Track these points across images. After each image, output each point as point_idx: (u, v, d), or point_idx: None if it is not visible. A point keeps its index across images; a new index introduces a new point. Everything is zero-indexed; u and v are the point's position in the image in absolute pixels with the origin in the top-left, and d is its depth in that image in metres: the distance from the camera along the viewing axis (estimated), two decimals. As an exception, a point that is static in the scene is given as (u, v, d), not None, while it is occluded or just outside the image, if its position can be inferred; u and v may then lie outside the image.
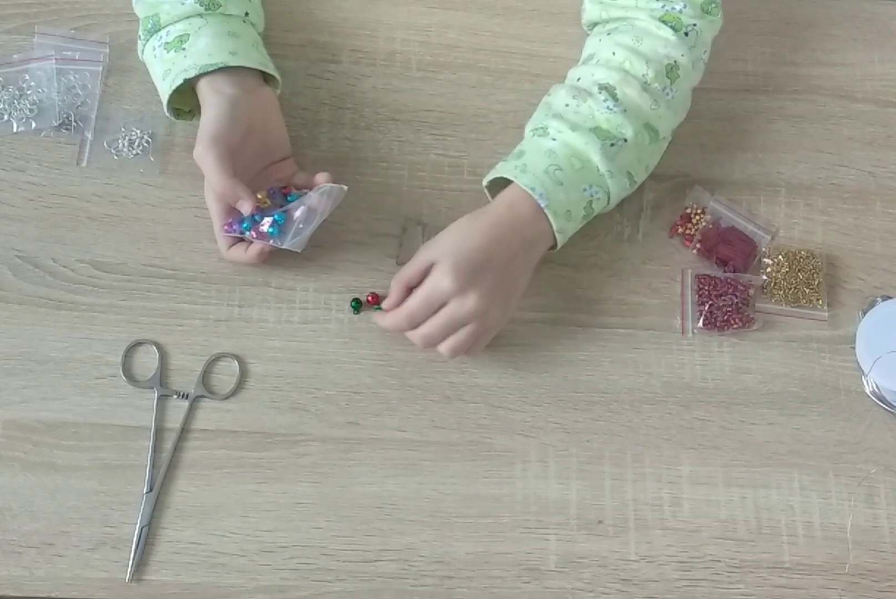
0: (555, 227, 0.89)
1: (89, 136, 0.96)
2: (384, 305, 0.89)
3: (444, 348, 0.88)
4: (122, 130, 0.97)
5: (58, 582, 0.84)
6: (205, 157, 0.86)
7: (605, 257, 0.98)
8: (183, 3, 0.90)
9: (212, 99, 0.88)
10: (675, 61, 0.93)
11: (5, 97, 0.96)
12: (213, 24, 0.90)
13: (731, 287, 0.97)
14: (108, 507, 0.86)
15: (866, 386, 0.96)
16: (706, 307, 0.96)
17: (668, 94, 0.93)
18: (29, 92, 0.97)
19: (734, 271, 0.98)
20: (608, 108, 0.90)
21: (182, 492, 0.87)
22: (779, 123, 1.06)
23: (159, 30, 0.91)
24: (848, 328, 0.98)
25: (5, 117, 0.96)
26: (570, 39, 1.05)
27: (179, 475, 0.87)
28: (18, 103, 0.96)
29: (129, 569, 0.84)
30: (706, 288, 0.97)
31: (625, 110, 0.91)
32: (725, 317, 0.96)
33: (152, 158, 0.96)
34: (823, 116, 1.06)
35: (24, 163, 0.95)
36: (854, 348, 0.97)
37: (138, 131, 0.97)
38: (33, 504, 0.85)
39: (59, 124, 0.96)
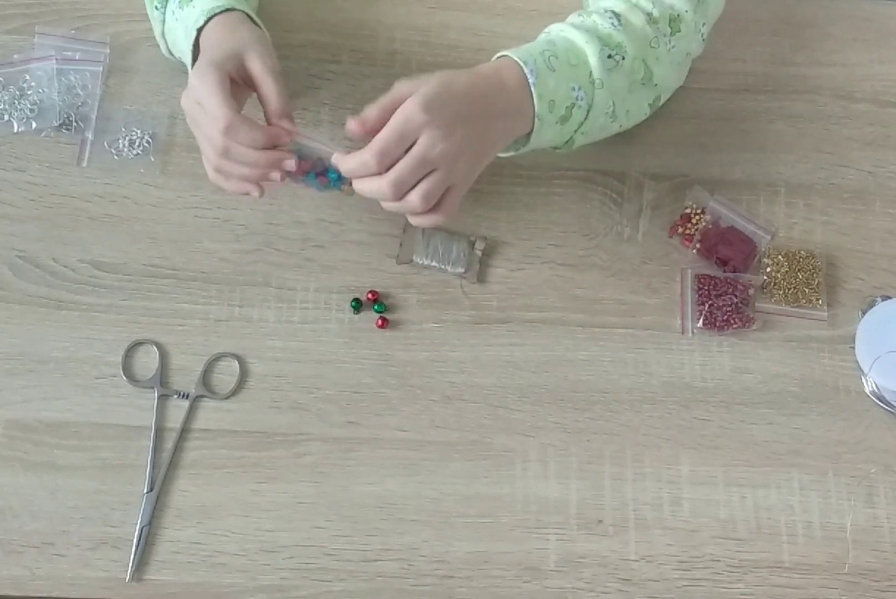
0: (536, 109, 0.85)
1: (90, 136, 0.96)
2: (351, 123, 0.81)
3: (416, 194, 0.80)
4: (123, 130, 0.97)
5: (58, 582, 0.84)
6: (211, 76, 0.80)
7: (604, 257, 0.98)
8: None
9: (222, 32, 0.85)
10: (679, 15, 0.91)
11: (6, 97, 0.96)
12: None
13: (731, 287, 0.97)
14: (108, 507, 0.86)
15: (866, 386, 0.96)
16: (706, 307, 0.96)
17: (668, 44, 0.91)
18: (29, 92, 0.97)
19: (734, 271, 0.98)
20: (612, 24, 0.88)
21: (182, 492, 0.87)
22: (779, 123, 1.06)
23: None
24: (848, 328, 0.98)
25: (6, 117, 0.96)
26: (570, 39, 1.04)
27: (180, 475, 0.87)
28: (19, 103, 0.96)
29: (129, 569, 0.84)
30: (706, 288, 0.97)
31: (627, 33, 0.89)
32: (725, 317, 0.96)
33: (152, 158, 0.96)
34: (823, 116, 1.06)
35: (25, 163, 0.95)
36: (854, 347, 0.97)
37: (138, 131, 0.97)
38: (34, 504, 0.85)
39: (60, 124, 0.96)
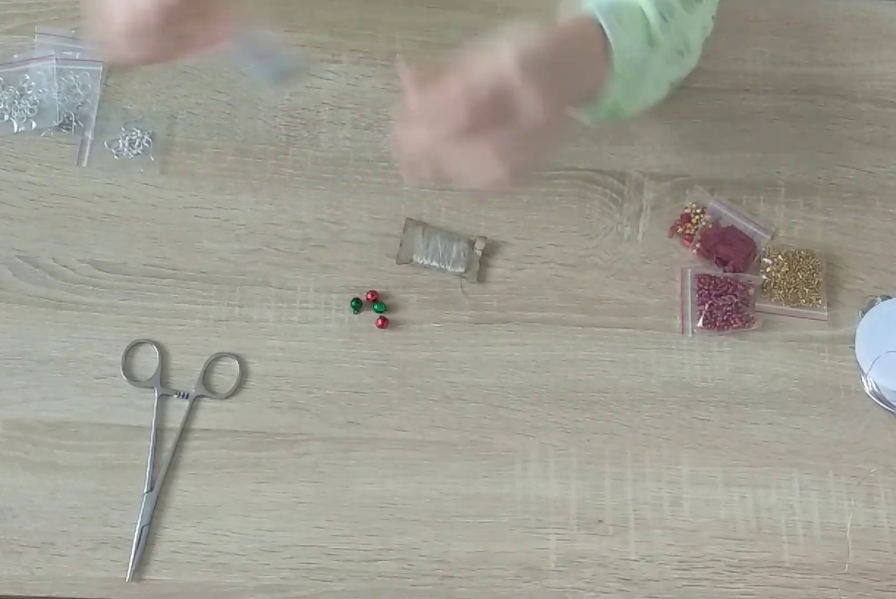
0: (617, 67, 0.78)
1: (89, 136, 0.96)
2: (409, 102, 0.70)
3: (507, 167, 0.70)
4: (123, 130, 0.97)
5: (58, 582, 0.84)
6: None
7: (604, 257, 0.98)
8: None
9: None
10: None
11: (6, 97, 0.96)
12: None
13: (731, 287, 0.97)
14: (108, 507, 0.86)
15: (866, 386, 0.96)
16: (706, 307, 0.96)
17: (696, 8, 0.87)
18: (29, 92, 0.97)
19: (734, 271, 0.98)
20: None
21: (182, 492, 0.87)
22: (779, 123, 1.06)
23: None
24: (848, 328, 0.98)
25: (6, 117, 0.96)
26: (570, 39, 1.04)
27: (180, 475, 0.87)
28: (19, 103, 0.96)
29: (129, 569, 0.84)
30: (706, 288, 0.97)
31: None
32: (725, 317, 0.96)
33: (152, 158, 0.96)
34: (823, 116, 1.06)
35: (25, 163, 0.95)
36: (854, 347, 0.97)
37: (138, 131, 0.97)
38: (34, 504, 0.85)
39: (60, 124, 0.96)
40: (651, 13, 0.83)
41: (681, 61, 0.89)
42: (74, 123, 0.96)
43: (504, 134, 0.70)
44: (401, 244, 0.96)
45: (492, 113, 0.69)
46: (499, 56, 0.70)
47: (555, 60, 0.73)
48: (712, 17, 0.94)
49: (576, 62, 0.76)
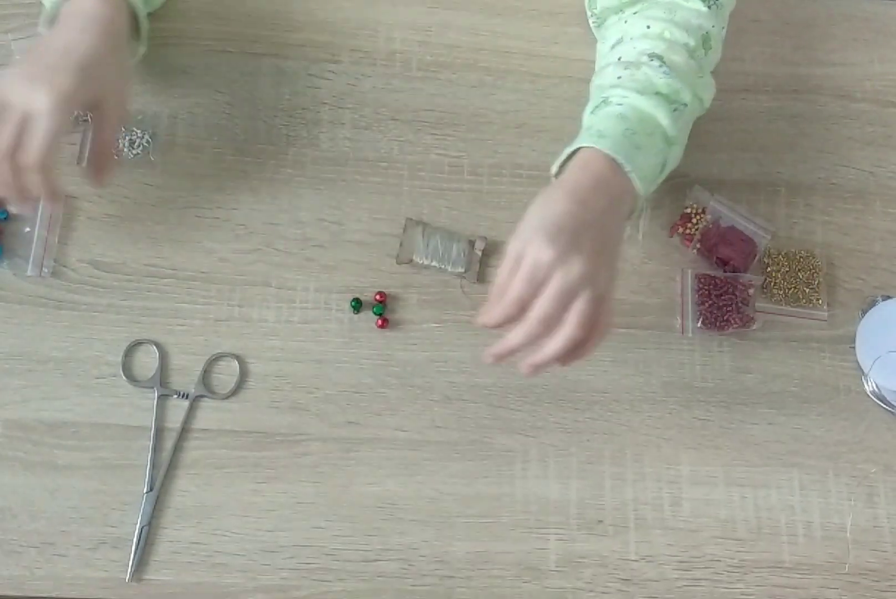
0: (639, 189, 0.84)
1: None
2: (482, 318, 0.80)
3: (570, 326, 0.77)
4: (122, 130, 0.97)
5: (58, 582, 0.84)
6: (62, 85, 0.80)
7: (605, 257, 0.98)
8: None
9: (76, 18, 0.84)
10: (708, 32, 0.91)
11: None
12: None
13: (731, 287, 0.97)
14: (108, 507, 0.86)
15: (866, 386, 0.96)
16: (706, 307, 0.96)
17: (706, 64, 0.92)
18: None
19: (734, 271, 0.98)
20: (665, 73, 0.88)
21: (182, 492, 0.87)
22: (779, 123, 1.06)
23: None
24: (848, 328, 0.98)
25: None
26: (570, 39, 1.05)
27: (179, 475, 0.87)
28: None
29: (129, 569, 0.84)
30: (706, 288, 0.97)
31: (679, 76, 0.88)
32: (725, 317, 0.96)
33: (152, 158, 0.96)
34: (823, 116, 1.06)
35: (25, 163, 0.95)
36: (854, 347, 0.97)
37: (138, 131, 0.97)
38: (33, 504, 0.85)
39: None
40: (665, 119, 0.87)
41: (696, 117, 0.93)
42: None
43: (579, 308, 0.77)
44: (401, 244, 0.96)
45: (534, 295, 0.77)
46: (532, 252, 0.77)
47: (581, 223, 0.79)
48: (723, 39, 0.95)
49: (594, 206, 0.80)
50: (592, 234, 0.79)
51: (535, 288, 0.77)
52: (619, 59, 0.91)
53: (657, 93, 0.87)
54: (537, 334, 0.78)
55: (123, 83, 0.89)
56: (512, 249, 0.79)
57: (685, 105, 0.89)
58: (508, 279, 0.78)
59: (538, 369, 0.80)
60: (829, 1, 1.12)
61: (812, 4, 1.11)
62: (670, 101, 0.88)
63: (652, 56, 0.89)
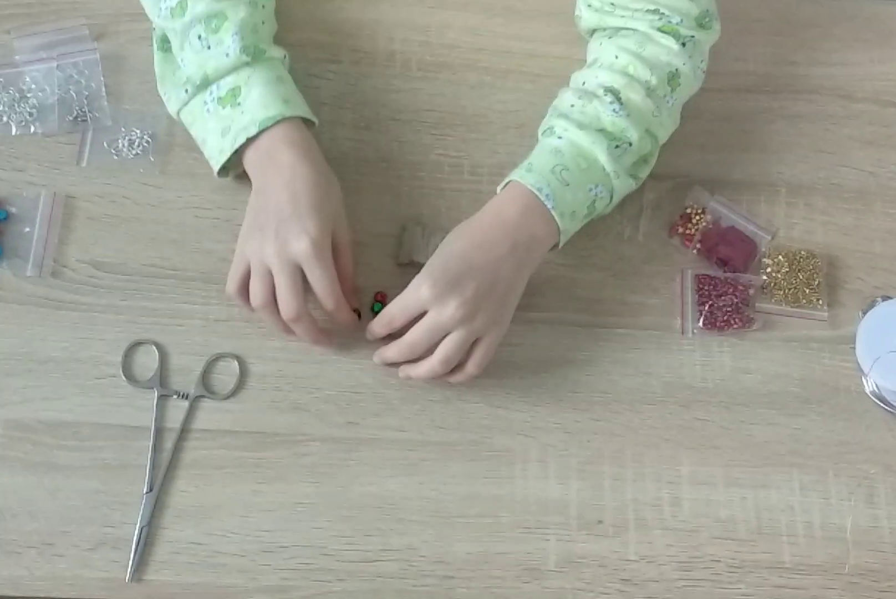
0: (560, 227, 0.88)
1: (89, 136, 0.96)
2: (372, 325, 0.88)
3: (436, 359, 0.85)
4: (122, 130, 0.97)
5: (58, 582, 0.84)
6: (321, 244, 0.84)
7: (605, 257, 0.98)
8: (228, 56, 0.88)
9: (293, 160, 0.87)
10: (677, 69, 0.93)
11: (5, 99, 0.96)
12: (259, 71, 0.89)
13: (731, 287, 0.97)
14: (108, 507, 0.86)
15: (866, 386, 0.96)
16: (706, 307, 0.96)
17: (668, 102, 0.93)
18: (29, 95, 0.96)
19: (734, 271, 0.98)
20: (614, 110, 0.90)
21: (182, 492, 0.87)
22: (779, 123, 1.06)
23: (209, 85, 0.89)
24: (848, 328, 0.98)
25: (4, 119, 0.96)
26: (570, 39, 1.05)
27: (179, 475, 0.87)
28: (18, 106, 0.96)
29: (129, 569, 0.84)
30: (706, 288, 0.97)
31: (629, 115, 0.90)
32: (725, 317, 0.96)
33: (152, 158, 0.96)
34: (823, 116, 1.06)
35: (24, 163, 0.95)
36: (854, 348, 0.97)
37: (138, 131, 0.97)
38: (33, 504, 0.85)
39: (60, 125, 0.96)
40: (603, 155, 0.90)
41: (656, 151, 0.95)
42: (74, 124, 0.96)
43: (444, 345, 0.85)
44: (401, 244, 0.96)
45: (429, 337, 0.85)
46: (413, 284, 0.85)
47: (463, 261, 0.85)
48: (703, 71, 0.97)
49: (496, 247, 0.86)
50: (480, 278, 0.85)
51: (405, 315, 0.85)
52: (583, 83, 0.94)
53: (601, 129, 0.90)
54: (405, 355, 0.86)
55: (341, 204, 0.90)
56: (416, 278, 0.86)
57: (630, 144, 0.91)
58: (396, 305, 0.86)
59: (412, 379, 0.89)
60: (830, 1, 1.12)
61: (812, 4, 1.11)
62: (613, 138, 0.90)
63: (607, 91, 0.91)
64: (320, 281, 0.84)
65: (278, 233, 0.84)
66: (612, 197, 0.92)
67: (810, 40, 1.10)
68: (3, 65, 0.97)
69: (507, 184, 0.90)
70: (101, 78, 0.98)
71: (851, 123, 1.06)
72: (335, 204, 0.88)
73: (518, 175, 0.89)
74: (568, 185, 0.88)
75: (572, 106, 0.92)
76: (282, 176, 0.86)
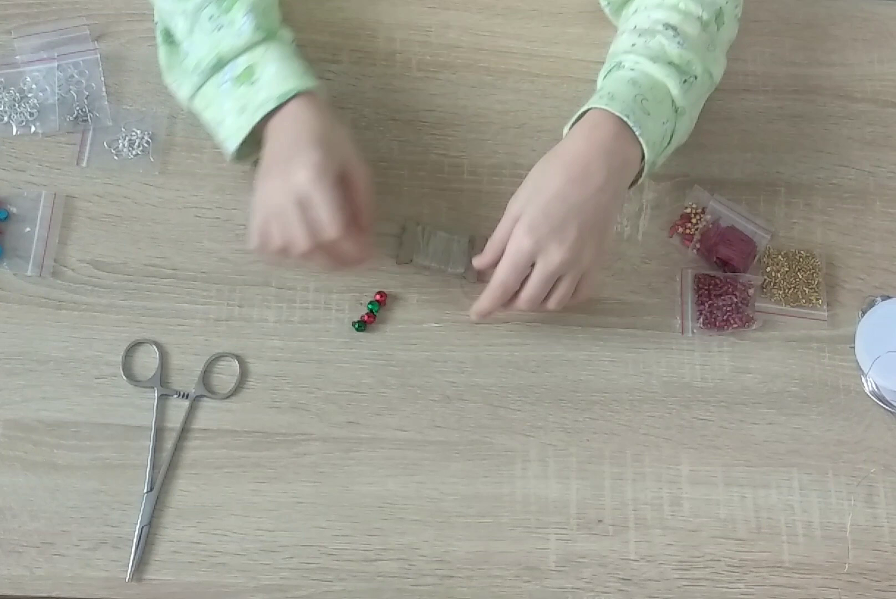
0: (647, 158, 0.86)
1: (89, 136, 0.96)
2: (477, 261, 0.88)
3: (552, 305, 0.87)
4: (122, 130, 0.97)
5: (58, 582, 0.84)
6: (325, 174, 0.82)
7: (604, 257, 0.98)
8: (241, 35, 0.87)
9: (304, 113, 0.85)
10: (721, 8, 0.92)
11: (6, 99, 0.96)
12: (274, 48, 0.88)
13: (731, 287, 0.97)
14: (108, 506, 0.86)
15: (866, 386, 0.96)
16: (706, 307, 0.96)
17: (719, 39, 0.92)
18: (30, 95, 0.97)
19: (734, 271, 0.98)
20: (679, 43, 0.88)
21: (182, 492, 0.87)
22: (779, 123, 1.06)
23: (223, 66, 0.87)
24: (848, 328, 0.98)
25: (5, 119, 0.96)
26: (570, 39, 1.05)
27: (180, 475, 0.87)
28: (19, 106, 0.96)
29: (129, 569, 0.84)
30: (706, 288, 0.97)
31: (692, 47, 0.89)
32: (725, 317, 0.96)
33: (152, 158, 0.96)
34: (823, 116, 1.06)
35: (25, 163, 0.95)
36: (854, 347, 0.97)
37: (138, 131, 0.97)
38: (34, 504, 0.85)
39: (60, 125, 0.96)
40: (675, 88, 0.88)
41: (707, 94, 0.94)
42: (75, 124, 0.96)
43: (558, 291, 0.86)
44: (401, 244, 0.96)
45: (521, 279, 0.85)
46: (515, 240, 0.84)
47: (563, 201, 0.83)
48: (738, 20, 0.96)
49: (591, 180, 0.83)
50: (578, 216, 0.83)
51: (517, 274, 0.84)
52: (635, 27, 0.92)
53: (669, 62, 0.88)
54: (531, 307, 0.86)
55: (354, 148, 0.88)
56: (508, 214, 0.84)
57: (695, 77, 0.89)
58: (502, 238, 0.85)
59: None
60: (829, 1, 1.12)
61: (812, 4, 1.11)
62: (681, 71, 0.89)
63: (666, 26, 0.90)
64: (319, 207, 0.81)
65: (282, 171, 0.83)
66: (672, 138, 0.89)
67: (810, 40, 1.10)
68: (4, 65, 0.97)
69: (582, 115, 0.87)
70: (102, 78, 0.98)
71: (851, 123, 1.06)
72: (340, 142, 0.86)
73: (603, 103, 0.85)
74: (649, 114, 0.86)
75: (634, 45, 0.90)
76: (288, 129, 0.85)
